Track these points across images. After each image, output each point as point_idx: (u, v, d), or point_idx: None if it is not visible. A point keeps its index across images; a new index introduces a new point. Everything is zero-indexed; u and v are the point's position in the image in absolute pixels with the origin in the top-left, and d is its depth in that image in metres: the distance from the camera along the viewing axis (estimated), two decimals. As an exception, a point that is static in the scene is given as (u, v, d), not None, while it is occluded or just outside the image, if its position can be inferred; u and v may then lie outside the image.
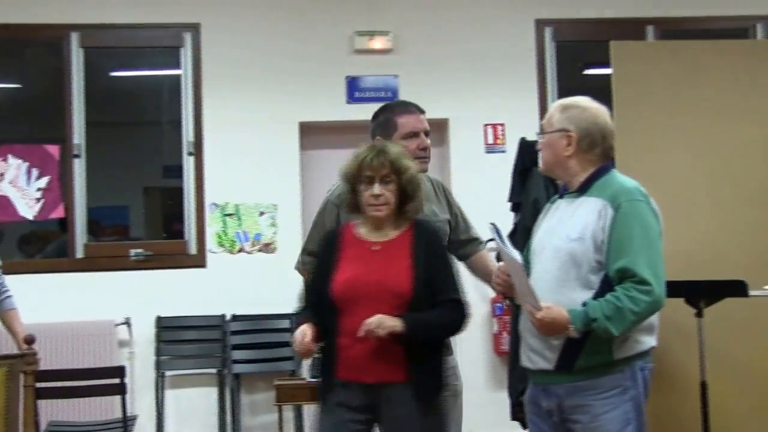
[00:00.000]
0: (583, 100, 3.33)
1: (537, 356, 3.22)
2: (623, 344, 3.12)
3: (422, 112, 3.98)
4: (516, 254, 3.12)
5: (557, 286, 3.14)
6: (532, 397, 3.35)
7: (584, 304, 3.07)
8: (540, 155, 3.37)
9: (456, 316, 3.46)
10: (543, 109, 6.57)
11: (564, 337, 3.12)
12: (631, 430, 3.14)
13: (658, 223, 3.18)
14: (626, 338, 3.12)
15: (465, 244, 4.02)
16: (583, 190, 3.25)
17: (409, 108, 3.99)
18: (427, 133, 3.94)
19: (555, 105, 3.37)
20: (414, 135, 3.90)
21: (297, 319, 3.57)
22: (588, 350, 3.11)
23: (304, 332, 3.40)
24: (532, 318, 3.10)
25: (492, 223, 3.30)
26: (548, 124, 3.32)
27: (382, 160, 3.46)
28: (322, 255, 3.54)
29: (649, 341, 3.20)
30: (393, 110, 4.00)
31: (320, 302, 3.44)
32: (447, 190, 4.10)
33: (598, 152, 3.27)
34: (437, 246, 3.54)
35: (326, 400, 3.47)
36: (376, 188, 3.44)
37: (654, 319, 3.19)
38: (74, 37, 6.65)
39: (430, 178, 4.05)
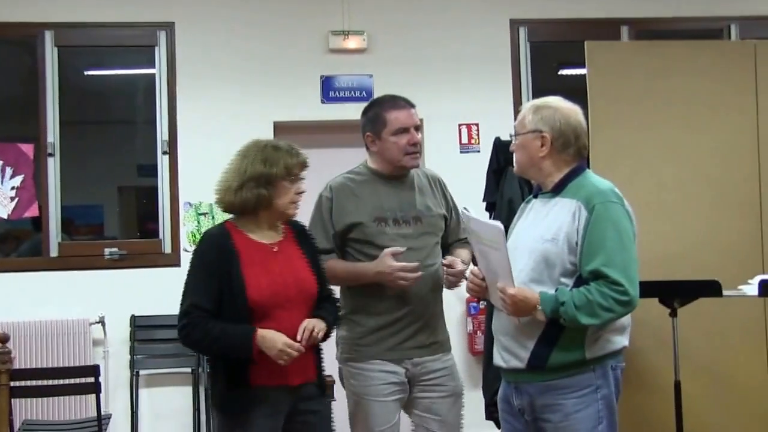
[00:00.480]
0: (555, 100, 3.34)
1: (509, 355, 3.23)
2: (595, 343, 3.14)
3: (412, 106, 3.97)
4: (497, 222, 3.14)
5: (530, 285, 3.15)
6: (504, 395, 3.37)
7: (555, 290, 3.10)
8: (514, 157, 3.38)
9: (337, 310, 3.64)
10: (517, 109, 6.59)
11: (536, 335, 3.14)
12: (603, 429, 3.15)
13: (632, 225, 3.20)
14: (598, 337, 3.14)
15: (454, 243, 4.04)
16: (557, 190, 3.26)
17: (398, 103, 3.97)
18: (417, 128, 3.93)
19: (527, 106, 3.37)
20: (404, 131, 3.89)
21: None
22: (560, 349, 3.13)
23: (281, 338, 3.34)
24: (503, 295, 3.11)
25: (464, 208, 3.36)
26: (521, 126, 3.32)
27: (304, 158, 3.53)
28: (216, 262, 3.34)
29: (621, 341, 3.21)
30: (382, 105, 3.99)
31: (218, 309, 3.31)
32: (444, 186, 4.10)
33: (572, 152, 3.28)
34: (313, 241, 3.67)
35: (248, 410, 3.33)
36: (303, 186, 3.50)
37: (626, 319, 3.20)
38: (48, 36, 6.60)
39: (426, 173, 4.08)
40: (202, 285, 3.31)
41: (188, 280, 3.38)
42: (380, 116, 3.93)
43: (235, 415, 3.33)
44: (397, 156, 3.89)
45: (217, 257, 3.35)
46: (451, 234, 4.05)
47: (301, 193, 3.51)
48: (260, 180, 3.42)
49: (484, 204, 5.87)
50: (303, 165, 3.52)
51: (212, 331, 3.29)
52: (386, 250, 3.74)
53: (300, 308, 3.42)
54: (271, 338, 3.30)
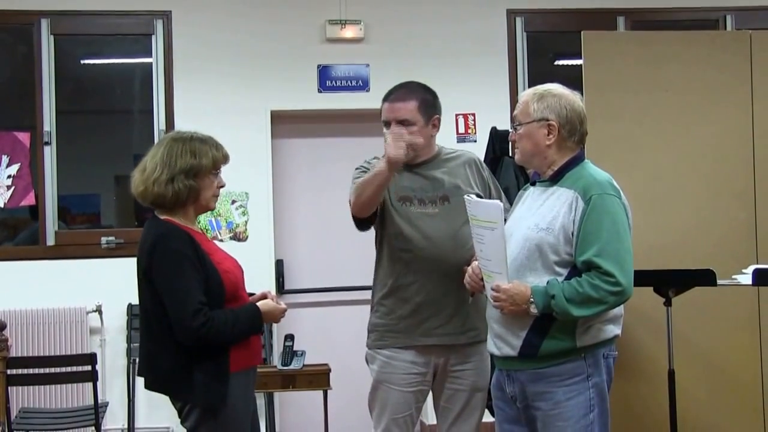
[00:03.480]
0: (557, 87, 3.33)
1: (502, 342, 3.25)
2: (587, 332, 3.15)
3: (406, 99, 3.85)
4: (496, 201, 3.16)
5: (523, 273, 3.17)
6: (497, 382, 3.40)
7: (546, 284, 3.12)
8: (517, 146, 3.35)
9: None
10: (514, 99, 6.60)
11: (529, 324, 3.16)
12: (594, 417, 3.17)
13: (628, 217, 3.21)
14: (589, 326, 3.15)
15: None
16: (555, 179, 3.27)
17: (391, 94, 3.92)
18: (403, 122, 3.81)
19: (528, 94, 3.34)
20: (386, 124, 3.85)
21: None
22: (552, 337, 3.15)
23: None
24: (497, 293, 3.13)
25: (467, 195, 3.35)
26: (525, 115, 3.30)
27: (227, 152, 3.52)
28: (194, 257, 3.31)
29: (613, 329, 3.23)
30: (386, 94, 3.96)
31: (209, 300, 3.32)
32: (480, 166, 4.00)
33: (576, 139, 3.29)
34: None
35: (229, 399, 3.31)
36: (223, 180, 3.52)
37: (619, 308, 3.22)
38: (44, 24, 6.60)
39: (461, 154, 4.01)
40: (195, 282, 3.26)
41: (180, 279, 3.26)
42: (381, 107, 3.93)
43: (217, 409, 3.29)
44: None
45: (193, 252, 3.30)
46: None
47: (222, 186, 3.50)
48: (189, 172, 3.37)
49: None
50: (226, 158, 3.50)
51: (228, 319, 3.30)
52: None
53: (245, 288, 3.50)
54: (268, 309, 3.45)
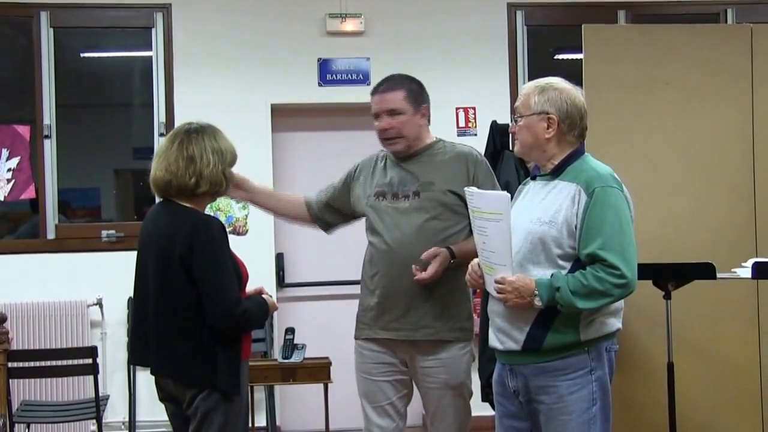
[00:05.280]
0: (558, 81, 3.32)
1: (505, 337, 3.25)
2: (590, 326, 3.15)
3: (392, 89, 3.92)
4: (503, 192, 3.17)
5: (526, 267, 3.17)
6: (499, 376, 3.38)
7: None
8: (516, 138, 3.35)
9: None
10: (514, 93, 6.60)
11: (532, 318, 3.16)
12: (596, 410, 3.17)
13: (630, 210, 3.21)
14: (593, 320, 3.15)
15: None
16: (556, 173, 3.26)
17: (378, 86, 4.00)
18: (391, 112, 3.88)
19: (529, 87, 3.33)
20: (375, 116, 3.93)
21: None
22: (555, 331, 3.14)
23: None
24: (502, 285, 3.13)
25: (466, 188, 3.35)
26: (525, 107, 3.29)
27: None
28: (229, 249, 3.42)
29: (614, 323, 3.23)
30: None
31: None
32: (473, 163, 3.95)
33: (576, 133, 3.28)
34: None
35: (242, 384, 3.43)
36: None
37: (620, 302, 3.22)
38: (43, 17, 6.61)
39: (457, 149, 4.00)
40: (233, 271, 3.37)
41: (225, 267, 3.33)
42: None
43: (235, 394, 3.38)
44: (379, 141, 3.98)
45: (228, 242, 3.40)
46: None
47: None
48: (232, 163, 3.52)
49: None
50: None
51: (256, 307, 3.45)
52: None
53: None
54: (270, 302, 3.55)
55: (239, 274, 3.41)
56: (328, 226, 4.20)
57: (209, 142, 3.45)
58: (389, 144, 3.92)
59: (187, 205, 3.42)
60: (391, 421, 3.92)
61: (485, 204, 3.20)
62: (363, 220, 4.05)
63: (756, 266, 4.32)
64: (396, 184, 3.91)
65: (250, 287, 3.57)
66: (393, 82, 3.97)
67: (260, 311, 3.47)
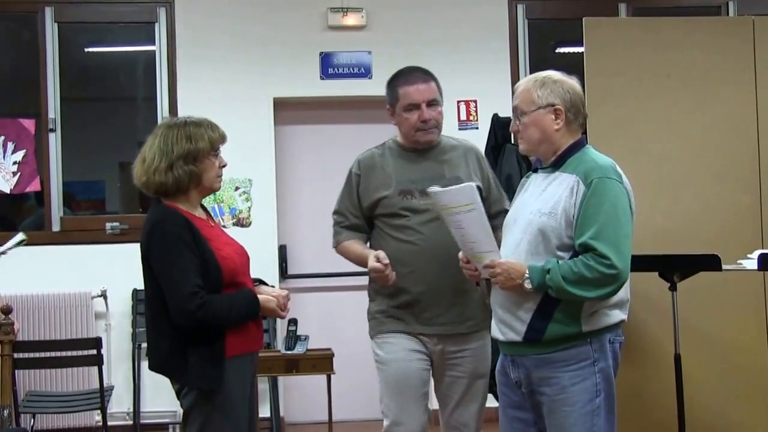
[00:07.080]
0: (553, 73, 3.32)
1: (506, 327, 3.24)
2: (592, 317, 3.15)
3: (429, 80, 3.89)
4: (466, 183, 3.20)
5: (527, 258, 3.16)
6: (501, 367, 3.38)
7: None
8: (521, 137, 3.33)
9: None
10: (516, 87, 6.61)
11: (533, 308, 3.16)
12: (600, 401, 3.16)
13: (630, 202, 3.20)
14: (595, 311, 3.15)
15: (498, 213, 3.84)
16: (557, 165, 3.26)
17: (411, 77, 3.91)
18: (432, 102, 3.85)
19: (527, 82, 3.33)
20: (414, 107, 3.83)
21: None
22: (556, 322, 3.14)
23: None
24: (492, 269, 3.16)
25: (429, 189, 3.38)
26: (529, 103, 3.27)
27: (223, 132, 3.54)
28: (192, 242, 3.32)
29: (618, 314, 3.22)
30: (398, 79, 3.93)
31: (205, 285, 3.31)
32: (480, 157, 3.99)
33: (580, 122, 3.28)
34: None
35: (225, 383, 3.32)
36: (224, 159, 3.54)
37: (624, 293, 3.21)
38: (48, 12, 6.65)
39: (461, 144, 4.00)
40: (191, 265, 3.28)
41: (176, 262, 3.28)
42: (395, 90, 3.90)
43: (213, 392, 3.31)
44: (408, 132, 3.86)
45: (190, 236, 3.32)
46: (493, 204, 3.91)
47: (224, 166, 3.52)
48: (188, 157, 3.39)
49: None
50: (224, 138, 3.52)
51: (223, 302, 3.32)
52: (373, 253, 3.74)
53: (247, 274, 3.52)
54: (265, 297, 3.47)
55: (215, 267, 3.32)
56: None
57: (154, 139, 3.43)
58: (426, 133, 3.87)
59: (166, 202, 3.42)
60: (423, 412, 3.85)
61: (453, 199, 3.22)
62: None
63: (762, 258, 4.30)
64: (420, 181, 3.82)
65: (258, 277, 3.58)
66: (425, 73, 3.93)
67: (232, 306, 3.34)
